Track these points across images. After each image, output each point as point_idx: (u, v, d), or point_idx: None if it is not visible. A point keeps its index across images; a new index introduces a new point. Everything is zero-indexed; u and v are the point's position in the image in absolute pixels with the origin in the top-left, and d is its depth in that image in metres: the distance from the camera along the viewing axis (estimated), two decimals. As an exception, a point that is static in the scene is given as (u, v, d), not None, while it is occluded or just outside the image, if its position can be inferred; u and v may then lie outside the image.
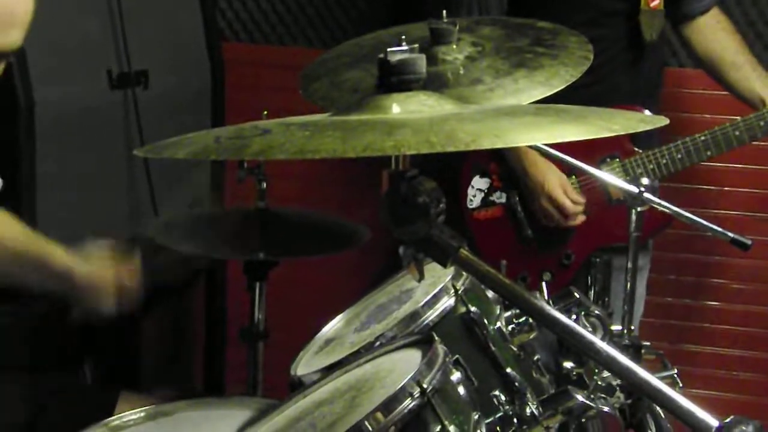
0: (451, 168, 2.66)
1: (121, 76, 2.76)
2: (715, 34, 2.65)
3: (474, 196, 2.64)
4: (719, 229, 1.90)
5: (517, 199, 2.61)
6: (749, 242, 1.92)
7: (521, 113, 1.21)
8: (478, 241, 2.62)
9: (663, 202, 1.94)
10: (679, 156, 2.52)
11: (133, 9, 2.77)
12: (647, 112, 2.48)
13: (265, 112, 2.20)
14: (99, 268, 2.01)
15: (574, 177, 2.56)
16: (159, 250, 2.26)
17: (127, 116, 2.79)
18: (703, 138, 2.52)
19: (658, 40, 2.60)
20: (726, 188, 3.15)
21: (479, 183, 2.64)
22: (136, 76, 2.81)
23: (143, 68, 2.82)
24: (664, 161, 2.53)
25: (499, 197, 2.63)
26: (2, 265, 1.88)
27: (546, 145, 2.00)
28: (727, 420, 0.99)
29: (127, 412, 1.71)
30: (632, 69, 2.61)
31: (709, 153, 2.53)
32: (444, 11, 1.78)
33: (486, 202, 2.64)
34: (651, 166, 2.54)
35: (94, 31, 2.70)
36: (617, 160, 2.55)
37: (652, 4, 2.54)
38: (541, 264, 2.60)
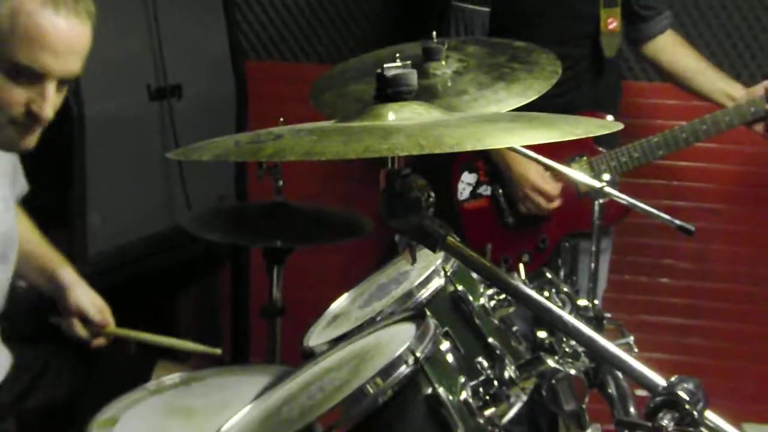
0: (443, 165, 2.66)
1: (158, 89, 2.75)
2: (675, 48, 2.66)
3: (463, 189, 2.64)
4: (667, 217, 1.90)
5: (501, 191, 2.61)
6: (692, 228, 1.92)
7: (499, 120, 1.21)
8: (467, 229, 2.62)
9: (621, 195, 1.94)
10: (637, 155, 2.54)
11: (169, 29, 2.76)
12: (610, 118, 2.48)
13: (282, 120, 2.19)
14: (87, 295, 1.98)
15: (548, 174, 2.55)
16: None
17: (164, 124, 2.78)
18: (656, 139, 2.54)
19: (616, 57, 2.60)
20: (676, 182, 3.14)
21: (468, 178, 2.65)
22: (171, 89, 2.79)
23: (178, 82, 2.81)
24: (624, 159, 2.54)
25: (485, 190, 2.64)
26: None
27: (523, 146, 1.99)
28: (672, 379, 1.00)
29: (164, 378, 1.71)
30: (595, 81, 2.61)
31: (661, 152, 2.54)
32: (434, 32, 1.77)
33: (474, 195, 2.64)
34: (613, 164, 2.55)
35: (135, 50, 2.69)
36: (585, 158, 2.56)
37: (610, 27, 2.54)
38: (521, 248, 2.60)
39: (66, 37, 1.54)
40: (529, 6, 2.50)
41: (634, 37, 2.69)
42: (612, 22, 2.54)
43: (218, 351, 1.93)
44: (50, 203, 2.39)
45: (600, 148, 2.56)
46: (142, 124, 2.72)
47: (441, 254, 1.52)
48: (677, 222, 1.91)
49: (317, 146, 1.04)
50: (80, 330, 1.97)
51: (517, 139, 1.14)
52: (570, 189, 2.56)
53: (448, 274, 1.54)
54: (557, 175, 2.55)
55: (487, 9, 2.51)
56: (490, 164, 2.60)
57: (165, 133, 2.78)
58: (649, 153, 2.53)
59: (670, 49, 2.66)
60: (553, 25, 2.51)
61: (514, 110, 1.63)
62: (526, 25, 2.49)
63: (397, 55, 1.27)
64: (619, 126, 1.21)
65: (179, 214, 2.80)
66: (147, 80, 2.73)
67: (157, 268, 2.77)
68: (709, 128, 2.51)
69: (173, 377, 1.71)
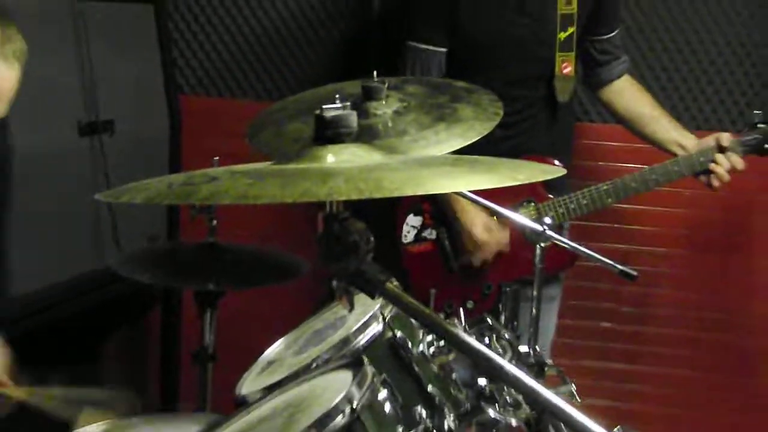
0: (388, 207, 2.66)
1: (89, 124, 2.72)
2: (631, 93, 2.71)
3: (408, 232, 2.64)
4: (610, 262, 1.93)
5: (446, 236, 2.61)
6: (635, 273, 1.95)
7: (440, 164, 1.22)
8: (411, 273, 2.62)
9: (563, 239, 1.97)
10: (585, 202, 2.55)
11: (102, 64, 2.74)
12: (557, 162, 2.51)
13: (216, 158, 2.18)
14: None
15: (494, 218, 2.57)
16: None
17: (94, 160, 2.75)
18: (605, 187, 2.55)
19: (570, 101, 2.64)
20: (624, 225, 3.20)
21: (413, 221, 2.65)
22: (102, 124, 2.77)
23: (109, 117, 2.79)
24: (572, 206, 2.56)
25: (430, 234, 2.63)
26: None
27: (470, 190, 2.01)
28: (615, 430, 1.00)
29: (86, 427, 1.67)
30: (549, 125, 2.64)
31: (609, 200, 2.56)
32: (375, 72, 1.78)
33: (418, 238, 2.64)
34: (561, 210, 2.56)
35: (65, 83, 2.66)
36: (533, 204, 2.57)
37: (565, 71, 2.59)
38: (466, 293, 2.59)
39: None
40: (485, 47, 2.53)
41: (591, 82, 2.75)
42: (566, 67, 2.59)
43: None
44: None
45: (549, 194, 2.59)
46: (71, 160, 2.68)
47: (379, 300, 1.52)
48: (619, 266, 1.94)
49: (253, 189, 1.03)
50: None
51: (458, 183, 1.15)
52: (517, 235, 2.58)
53: (387, 319, 1.53)
54: (503, 221, 2.57)
55: (443, 49, 2.54)
56: (436, 207, 2.62)
57: (95, 170, 2.75)
58: (597, 201, 2.56)
59: (626, 94, 2.71)
60: (508, 67, 2.55)
61: (455, 152, 1.64)
62: (482, 66, 2.53)
63: (337, 95, 1.27)
64: (562, 171, 1.23)
65: (108, 254, 2.76)
66: (77, 115, 2.70)
67: (83, 310, 2.72)
68: (659, 178, 2.55)
69: (98, 426, 1.67)
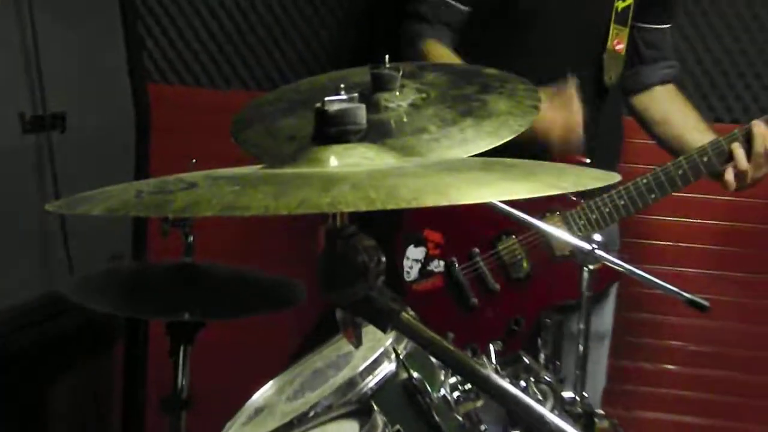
0: (383, 240, 2.64)
1: (35, 119, 2.74)
2: (673, 104, 2.73)
3: (410, 267, 2.62)
4: (675, 288, 1.93)
5: (457, 265, 2.60)
6: (707, 304, 1.95)
7: (467, 168, 1.23)
8: (420, 316, 2.61)
9: (616, 260, 1.97)
10: (622, 202, 2.53)
11: (50, 47, 2.76)
12: (586, 160, 2.51)
13: (194, 161, 2.19)
14: None
15: (514, 237, 2.57)
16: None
17: (41, 162, 2.77)
18: (645, 181, 2.54)
19: (616, 86, 2.66)
20: (684, 244, 3.20)
21: (414, 253, 2.63)
22: (51, 118, 2.79)
23: (60, 110, 2.81)
24: (607, 210, 2.54)
25: (437, 266, 2.62)
26: None
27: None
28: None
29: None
30: (592, 114, 2.63)
31: (653, 196, 2.54)
32: (387, 57, 1.80)
33: (423, 273, 2.62)
34: (594, 217, 2.54)
35: (5, 71, 2.68)
36: (557, 213, 2.57)
37: (617, 47, 2.61)
38: (490, 333, 2.58)
39: None
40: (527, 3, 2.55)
41: (627, 83, 2.75)
42: (619, 43, 2.62)
43: None
44: None
45: (575, 198, 2.58)
46: (12, 161, 2.70)
47: (392, 333, 1.53)
48: (687, 295, 1.94)
49: (241, 199, 1.05)
50: None
51: (490, 192, 1.16)
52: (543, 253, 2.58)
53: (401, 357, 1.55)
54: (528, 242, 2.57)
55: (466, 7, 2.57)
56: (442, 232, 2.61)
57: (42, 174, 2.77)
58: (638, 199, 2.54)
59: (666, 103, 2.74)
60: (551, 30, 2.56)
61: (483, 153, 1.65)
62: (515, 27, 2.54)
63: (341, 85, 1.28)
64: (616, 177, 1.24)
65: (59, 277, 2.77)
66: (19, 107, 2.72)
67: (28, 345, 2.74)
68: (711, 157, 2.54)
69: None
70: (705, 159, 2.54)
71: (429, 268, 2.62)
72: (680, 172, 2.54)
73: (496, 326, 2.59)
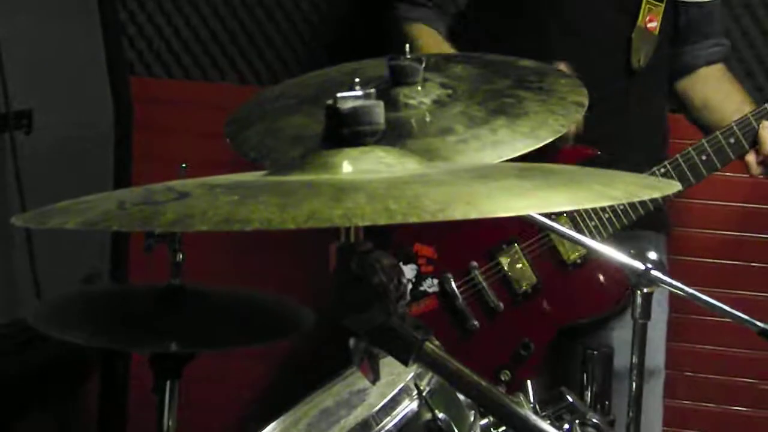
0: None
1: (-4, 117, 2.77)
2: (719, 84, 2.74)
3: None
4: (745, 316, 1.93)
5: (453, 283, 2.60)
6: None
7: (500, 175, 1.24)
8: None
9: (675, 282, 1.98)
10: (623, 206, 2.51)
11: (13, 36, 2.77)
12: (597, 152, 2.50)
13: (184, 165, 2.21)
14: None
15: (516, 245, 2.57)
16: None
17: (4, 167, 2.78)
18: (663, 170, 2.53)
19: (647, 72, 2.64)
20: (755, 264, 3.20)
21: (405, 272, 2.63)
22: (16, 117, 2.80)
23: (26, 107, 2.82)
24: (607, 215, 2.49)
25: (431, 285, 2.62)
26: None
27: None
28: None
29: None
30: (618, 103, 2.64)
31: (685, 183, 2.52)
32: (407, 46, 1.81)
33: (416, 294, 2.62)
34: (593, 223, 2.50)
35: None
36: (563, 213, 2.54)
37: (649, 25, 2.61)
38: (495, 360, 2.59)
39: None
40: None
41: (672, 66, 2.76)
42: (652, 20, 2.61)
43: None
44: None
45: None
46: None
47: (414, 367, 1.54)
48: (760, 324, 1.94)
49: (239, 210, 1.05)
50: None
51: (528, 203, 1.16)
52: (550, 262, 2.57)
53: (424, 394, 1.55)
54: (531, 250, 2.56)
55: None
56: (435, 245, 2.61)
57: (4, 181, 2.78)
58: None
59: (712, 83, 2.74)
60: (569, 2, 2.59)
61: (518, 158, 1.66)
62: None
63: (356, 79, 1.30)
64: (676, 187, 1.24)
65: (23, 302, 2.78)
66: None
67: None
68: (739, 138, 2.53)
69: None
70: (731, 140, 2.53)
71: (422, 288, 2.62)
72: (703, 156, 2.53)
73: (501, 352, 2.59)
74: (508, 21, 2.57)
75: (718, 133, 2.55)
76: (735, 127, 2.54)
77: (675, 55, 2.75)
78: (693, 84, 2.76)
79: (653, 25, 2.62)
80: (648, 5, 2.60)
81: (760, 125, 2.52)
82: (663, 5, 2.62)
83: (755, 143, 2.53)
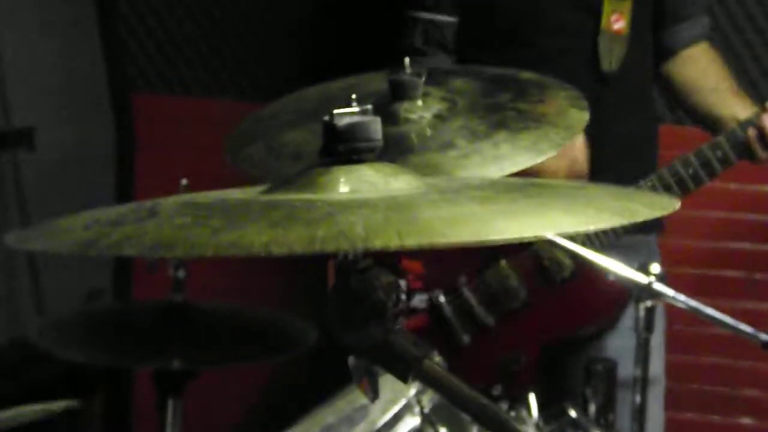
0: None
1: (-3, 135, 2.77)
2: (700, 64, 2.71)
3: None
4: (748, 328, 1.92)
5: (442, 298, 2.60)
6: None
7: (504, 192, 1.22)
8: None
9: (679, 295, 1.97)
10: None
11: (16, 53, 2.78)
12: None
13: (185, 181, 2.21)
14: None
15: (504, 260, 2.56)
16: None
17: (5, 185, 2.78)
18: (649, 183, 2.50)
19: (623, 72, 2.58)
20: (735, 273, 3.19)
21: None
22: (18, 134, 2.80)
23: (28, 125, 2.82)
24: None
25: (420, 301, 2.61)
26: None
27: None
28: None
29: None
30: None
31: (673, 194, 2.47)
32: (407, 60, 1.80)
33: None
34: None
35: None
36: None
37: (615, 26, 2.54)
38: (485, 376, 2.58)
39: None
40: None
41: (662, 46, 2.72)
42: (618, 21, 2.55)
43: None
44: None
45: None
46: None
47: (415, 383, 1.53)
48: (764, 336, 1.94)
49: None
50: None
51: (537, 224, 1.14)
52: (535, 272, 2.56)
53: (426, 411, 1.55)
54: (532, 260, 2.55)
55: (454, 19, 2.60)
56: (423, 260, 2.60)
57: (6, 199, 2.78)
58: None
59: (692, 64, 2.71)
60: (537, 10, 2.58)
61: (519, 174, 1.65)
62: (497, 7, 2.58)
63: (353, 95, 1.29)
64: (674, 205, 1.23)
65: (26, 320, 2.78)
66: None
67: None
68: (727, 152, 2.50)
69: None
70: (718, 153, 2.48)
71: (411, 304, 2.61)
72: (690, 171, 2.47)
73: (490, 368, 2.58)
74: (474, 23, 2.58)
75: (704, 146, 2.50)
76: (722, 141, 2.50)
77: (656, 40, 2.72)
78: (675, 67, 2.72)
79: (620, 25, 2.56)
80: (611, 6, 2.54)
81: (747, 132, 2.48)
82: (629, 2, 2.55)
83: (744, 153, 2.50)
